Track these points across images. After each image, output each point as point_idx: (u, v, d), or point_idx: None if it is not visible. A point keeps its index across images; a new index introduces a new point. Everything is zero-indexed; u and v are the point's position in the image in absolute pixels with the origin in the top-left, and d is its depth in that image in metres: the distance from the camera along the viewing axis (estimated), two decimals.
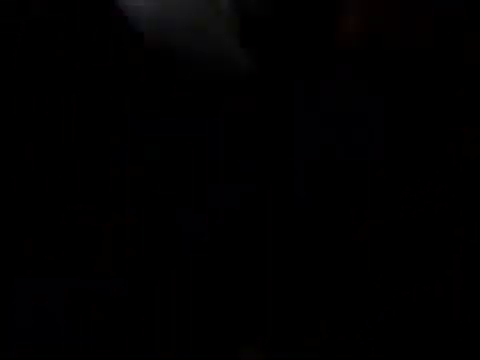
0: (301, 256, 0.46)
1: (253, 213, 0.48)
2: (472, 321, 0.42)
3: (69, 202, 0.47)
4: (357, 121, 0.47)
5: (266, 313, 0.43)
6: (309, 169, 0.47)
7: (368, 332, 0.42)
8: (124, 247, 0.46)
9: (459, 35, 0.47)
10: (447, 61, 0.47)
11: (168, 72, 0.45)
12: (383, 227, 0.45)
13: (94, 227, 0.46)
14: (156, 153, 0.49)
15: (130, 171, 0.49)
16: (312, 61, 0.45)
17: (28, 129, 0.48)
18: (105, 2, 0.44)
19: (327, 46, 0.45)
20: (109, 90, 0.50)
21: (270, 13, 0.45)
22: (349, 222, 0.45)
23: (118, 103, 0.49)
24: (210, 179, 0.48)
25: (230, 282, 0.45)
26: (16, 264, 0.45)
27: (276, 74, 0.46)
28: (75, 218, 0.46)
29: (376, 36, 0.45)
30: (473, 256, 0.44)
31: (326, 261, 0.46)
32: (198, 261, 0.46)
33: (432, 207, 0.45)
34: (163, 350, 0.41)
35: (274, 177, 0.47)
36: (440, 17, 0.47)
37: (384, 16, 0.46)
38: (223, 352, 0.42)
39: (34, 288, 0.43)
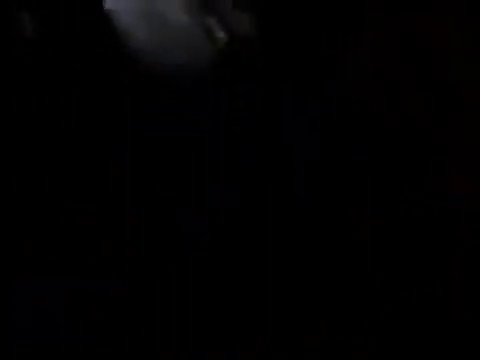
0: (301, 256, 0.46)
1: (253, 213, 0.48)
2: (472, 321, 0.42)
3: (69, 202, 0.47)
4: (353, 124, 0.47)
5: (266, 313, 0.43)
6: (309, 169, 0.47)
7: (368, 332, 0.42)
8: (124, 247, 0.46)
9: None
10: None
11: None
12: (383, 227, 0.45)
13: (94, 227, 0.46)
14: (156, 153, 0.49)
15: (130, 171, 0.49)
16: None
17: (28, 129, 0.48)
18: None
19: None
20: (109, 91, 0.50)
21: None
22: (349, 222, 0.45)
23: (118, 103, 0.49)
24: (210, 179, 0.48)
25: (230, 282, 0.45)
26: (16, 264, 0.45)
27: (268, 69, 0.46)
28: (75, 218, 0.46)
29: None
30: (473, 256, 0.44)
31: (326, 261, 0.46)
32: (198, 261, 0.46)
33: (432, 207, 0.45)
34: (163, 350, 0.41)
35: (274, 177, 0.47)
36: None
37: None
38: (223, 352, 0.42)
39: (34, 288, 0.43)
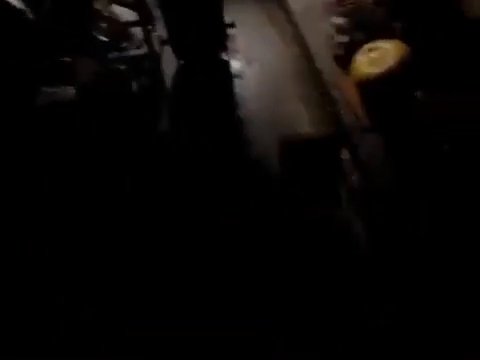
0: (302, 256, 0.46)
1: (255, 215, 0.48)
2: (470, 322, 0.42)
3: (69, 202, 0.47)
4: None
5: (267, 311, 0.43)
6: None
7: (368, 333, 0.42)
8: (123, 246, 0.46)
9: None
10: None
11: None
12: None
13: (93, 229, 0.46)
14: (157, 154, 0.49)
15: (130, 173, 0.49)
16: None
17: (28, 130, 0.48)
18: None
19: None
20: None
21: None
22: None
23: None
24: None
25: (230, 282, 0.45)
26: (16, 264, 0.45)
27: None
28: (74, 217, 0.46)
29: None
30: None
31: (326, 263, 0.46)
32: (199, 261, 0.46)
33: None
34: (163, 349, 0.41)
35: None
36: None
37: None
38: (223, 350, 0.42)
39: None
